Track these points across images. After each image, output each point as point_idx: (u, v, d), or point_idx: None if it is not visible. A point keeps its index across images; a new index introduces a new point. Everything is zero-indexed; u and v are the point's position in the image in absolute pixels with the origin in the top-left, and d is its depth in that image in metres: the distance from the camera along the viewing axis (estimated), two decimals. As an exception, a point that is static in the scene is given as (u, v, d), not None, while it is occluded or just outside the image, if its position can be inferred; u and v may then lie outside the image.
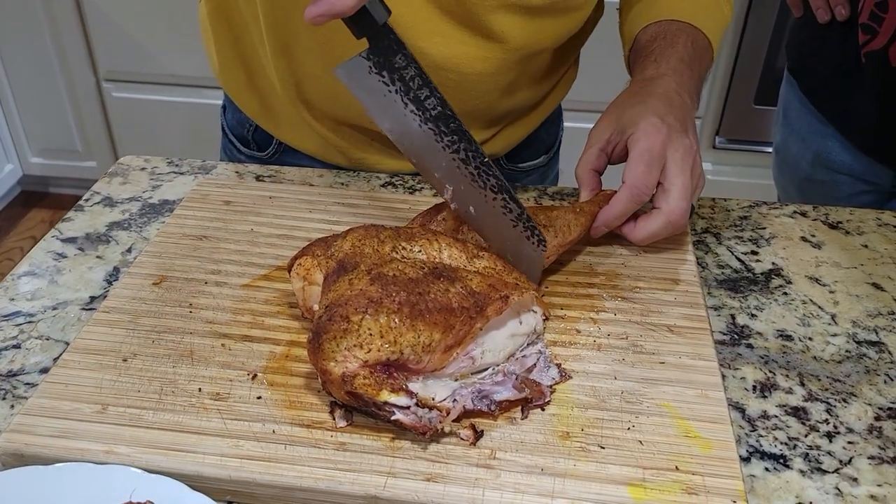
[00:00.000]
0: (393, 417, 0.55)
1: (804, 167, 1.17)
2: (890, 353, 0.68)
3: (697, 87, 0.82)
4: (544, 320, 0.66)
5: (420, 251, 0.65)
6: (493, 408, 0.58)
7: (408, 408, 0.55)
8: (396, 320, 0.57)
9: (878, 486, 0.56)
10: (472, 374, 0.60)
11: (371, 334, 0.56)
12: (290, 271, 0.66)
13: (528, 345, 0.63)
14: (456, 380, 0.60)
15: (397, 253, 0.64)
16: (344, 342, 0.56)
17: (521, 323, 0.62)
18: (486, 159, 0.66)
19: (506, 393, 0.59)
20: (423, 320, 0.57)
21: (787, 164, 1.22)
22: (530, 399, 0.59)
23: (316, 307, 0.63)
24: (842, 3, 1.03)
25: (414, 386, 0.57)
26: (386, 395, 0.55)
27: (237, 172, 0.93)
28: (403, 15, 0.80)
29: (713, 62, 0.87)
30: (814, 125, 1.14)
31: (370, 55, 0.63)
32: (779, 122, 1.24)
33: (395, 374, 0.57)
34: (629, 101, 0.78)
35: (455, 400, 0.58)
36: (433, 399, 0.57)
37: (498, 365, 0.61)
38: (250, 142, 1.02)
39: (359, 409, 0.58)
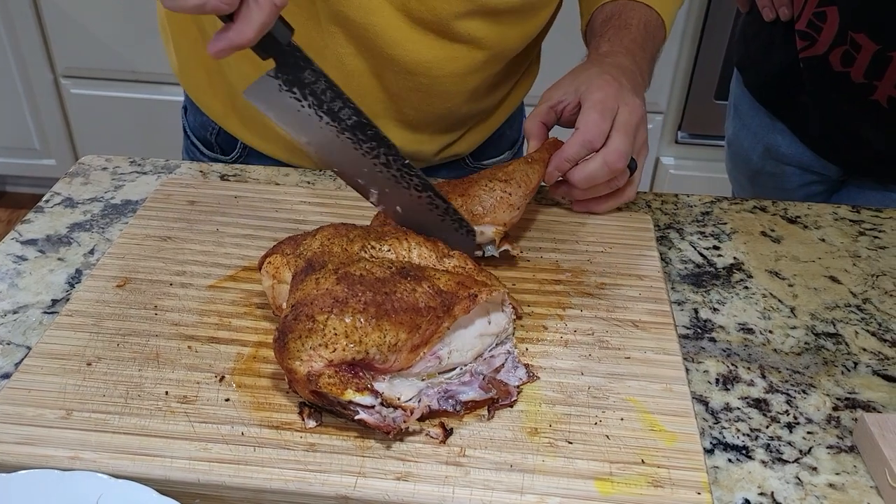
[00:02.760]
0: (357, 417, 0.55)
1: (755, 160, 1.20)
2: (847, 344, 0.70)
3: (649, 67, 0.86)
4: (516, 319, 0.67)
5: (389, 250, 0.65)
6: (458, 408, 0.59)
7: (372, 407, 0.55)
8: (362, 320, 0.57)
9: (837, 474, 0.58)
10: (439, 373, 0.61)
11: (336, 334, 0.56)
12: (260, 269, 0.66)
13: (496, 344, 0.63)
14: (423, 379, 0.60)
15: (366, 252, 0.64)
16: (309, 341, 0.56)
17: (490, 322, 0.63)
18: (406, 161, 0.68)
19: (472, 393, 0.59)
20: (389, 320, 0.58)
21: (739, 157, 1.24)
22: (496, 399, 0.59)
23: (285, 305, 0.63)
24: (785, 4, 1.06)
25: (380, 385, 0.58)
26: (350, 395, 0.55)
27: (202, 172, 0.92)
28: (374, 24, 0.80)
29: (665, 40, 0.91)
30: (763, 120, 1.16)
31: (278, 73, 0.62)
32: (730, 116, 1.26)
33: (360, 374, 0.57)
34: (583, 68, 0.82)
35: (420, 400, 0.58)
36: (398, 398, 0.57)
37: (466, 365, 0.61)
38: (213, 145, 1.01)
39: (325, 409, 0.58)
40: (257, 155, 0.99)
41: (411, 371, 0.59)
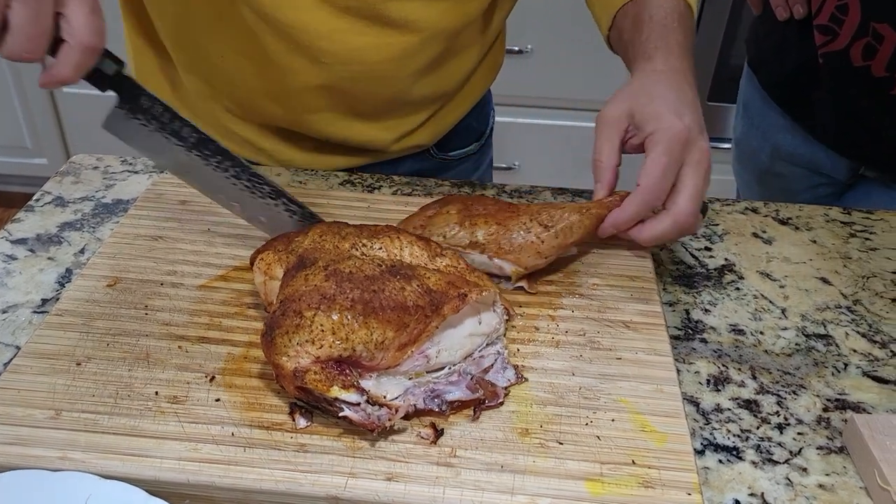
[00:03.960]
0: (341, 414, 0.55)
1: (763, 160, 1.20)
2: (837, 345, 0.70)
3: (692, 66, 0.80)
4: (507, 320, 0.67)
5: (381, 248, 0.65)
6: (444, 408, 0.59)
7: (357, 404, 0.55)
8: (349, 317, 0.57)
9: (827, 475, 0.58)
10: (427, 372, 0.61)
11: (323, 330, 0.56)
12: (252, 265, 0.66)
13: (486, 345, 0.63)
14: (410, 378, 0.60)
15: (357, 250, 0.64)
16: (296, 337, 0.56)
17: (480, 322, 0.62)
18: (252, 170, 0.71)
19: (458, 393, 0.59)
20: (377, 318, 0.58)
21: (747, 156, 1.25)
22: (483, 400, 0.59)
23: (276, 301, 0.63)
24: (800, 2, 1.06)
25: (367, 383, 0.58)
26: (336, 392, 0.55)
27: (193, 171, 0.92)
28: (300, 19, 0.80)
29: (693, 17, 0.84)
30: (773, 119, 1.16)
31: (122, 104, 0.67)
32: (739, 115, 1.27)
33: (347, 371, 0.57)
34: (643, 91, 0.74)
35: (405, 399, 0.58)
36: (384, 397, 0.58)
37: (454, 364, 0.61)
38: None
39: (311, 405, 0.58)
40: None
41: (399, 369, 0.59)
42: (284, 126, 0.93)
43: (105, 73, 0.64)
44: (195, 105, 0.94)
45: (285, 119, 0.91)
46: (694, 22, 0.83)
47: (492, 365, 0.62)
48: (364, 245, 0.65)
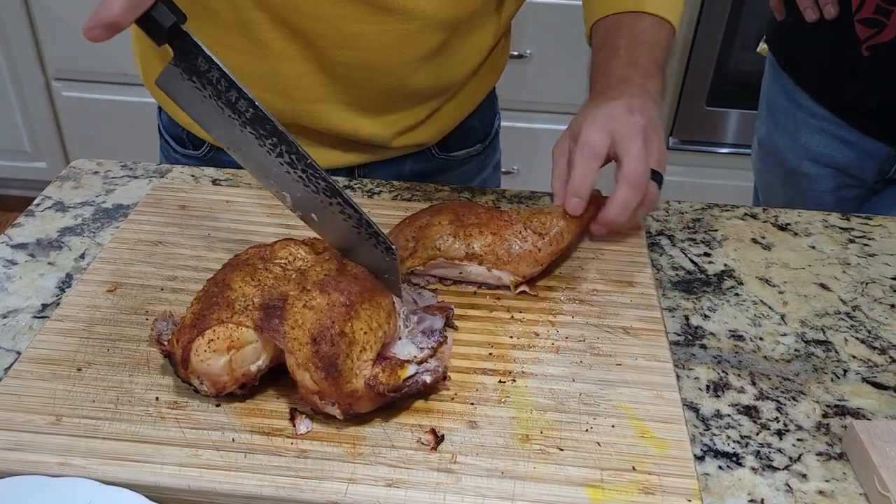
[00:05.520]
0: (420, 382, 0.58)
1: (790, 160, 1.20)
2: (836, 351, 0.71)
3: (654, 68, 0.82)
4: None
5: (281, 258, 0.65)
6: (443, 335, 0.64)
7: (416, 373, 0.59)
8: (367, 308, 0.60)
9: (826, 481, 0.58)
10: (404, 328, 0.64)
11: (365, 332, 0.59)
12: (187, 365, 0.58)
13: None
14: (400, 338, 0.64)
15: (270, 271, 0.63)
16: (355, 353, 0.58)
17: None
18: (310, 161, 0.62)
19: (436, 321, 0.65)
20: (373, 297, 0.61)
21: (773, 157, 1.25)
22: (448, 314, 0.66)
23: (257, 364, 0.59)
24: (831, 2, 1.06)
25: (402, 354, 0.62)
26: (401, 373, 0.58)
27: (193, 176, 0.92)
28: (296, 3, 0.80)
29: (673, 32, 0.87)
30: (801, 119, 1.17)
31: (177, 62, 0.60)
32: (762, 117, 1.27)
33: (386, 357, 0.60)
34: (582, 114, 0.78)
35: (424, 348, 0.62)
36: (415, 357, 0.61)
37: (405, 310, 0.66)
38: (185, 140, 1.01)
39: (388, 403, 0.59)
40: (222, 151, 0.98)
41: (396, 335, 0.63)
42: (286, 120, 0.92)
43: (160, 22, 0.58)
44: None
45: (284, 111, 0.90)
46: (662, 31, 0.85)
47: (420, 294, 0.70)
48: (278, 261, 0.65)
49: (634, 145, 0.72)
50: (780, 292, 0.78)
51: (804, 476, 0.59)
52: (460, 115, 1.02)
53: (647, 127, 0.74)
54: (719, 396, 0.65)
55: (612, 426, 0.59)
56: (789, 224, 0.89)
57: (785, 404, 0.65)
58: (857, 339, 0.72)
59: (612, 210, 0.73)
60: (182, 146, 1.02)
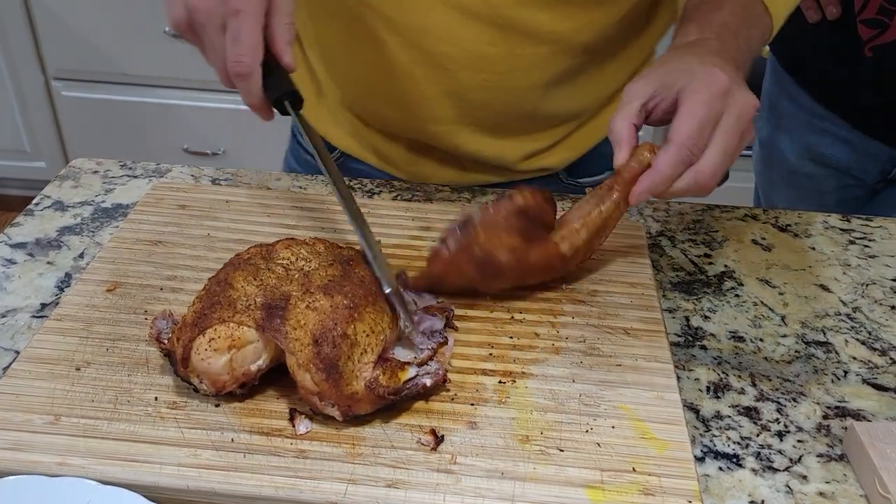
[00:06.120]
0: (420, 385, 0.59)
1: (793, 160, 1.20)
2: (837, 353, 0.70)
3: (744, 57, 0.72)
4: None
5: (284, 259, 0.65)
6: (443, 335, 0.64)
7: (416, 375, 0.59)
8: (371, 311, 0.60)
9: (827, 483, 0.58)
10: (404, 330, 0.64)
11: (367, 335, 0.59)
12: (187, 363, 0.59)
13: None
14: (400, 339, 0.64)
15: (272, 271, 0.63)
16: (356, 355, 0.58)
17: None
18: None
19: (436, 322, 0.65)
20: (375, 301, 0.61)
21: (775, 157, 1.25)
22: (448, 314, 0.67)
23: (257, 364, 0.59)
24: (833, 3, 1.06)
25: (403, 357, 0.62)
26: (402, 375, 0.59)
27: (193, 176, 0.92)
28: (428, 25, 0.79)
29: (771, 31, 0.77)
30: (805, 119, 1.17)
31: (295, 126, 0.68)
32: (763, 117, 1.26)
33: (387, 359, 0.60)
34: (674, 57, 0.69)
35: (423, 347, 0.62)
36: (415, 358, 0.61)
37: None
38: None
39: (390, 406, 0.59)
40: (353, 160, 0.98)
41: (395, 337, 0.63)
42: (410, 136, 0.92)
43: (284, 108, 0.70)
44: (336, 112, 0.95)
45: (410, 129, 0.90)
46: (763, 20, 0.76)
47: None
48: (280, 261, 0.64)
49: (727, 138, 0.63)
50: (781, 293, 0.78)
51: (804, 477, 0.59)
52: (592, 142, 0.96)
53: (753, 111, 0.65)
54: (719, 397, 0.65)
55: (613, 427, 0.59)
56: (789, 225, 0.89)
57: (785, 406, 0.65)
58: (858, 340, 0.72)
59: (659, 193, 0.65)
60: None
